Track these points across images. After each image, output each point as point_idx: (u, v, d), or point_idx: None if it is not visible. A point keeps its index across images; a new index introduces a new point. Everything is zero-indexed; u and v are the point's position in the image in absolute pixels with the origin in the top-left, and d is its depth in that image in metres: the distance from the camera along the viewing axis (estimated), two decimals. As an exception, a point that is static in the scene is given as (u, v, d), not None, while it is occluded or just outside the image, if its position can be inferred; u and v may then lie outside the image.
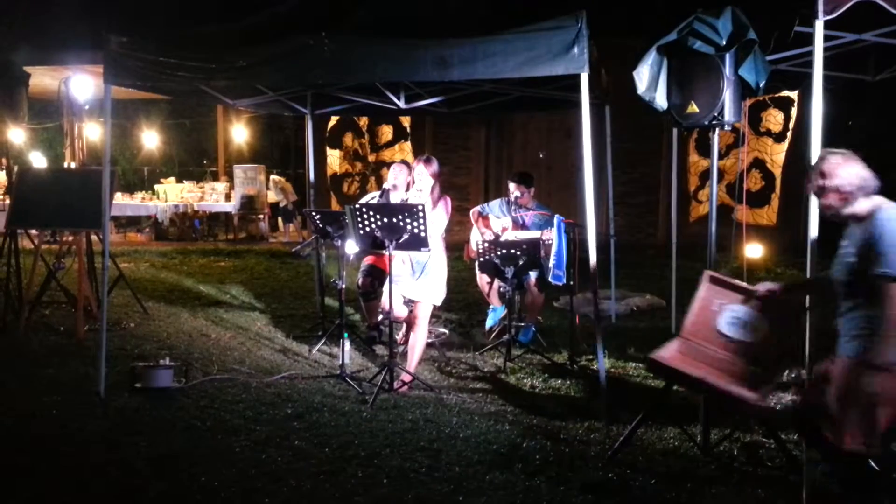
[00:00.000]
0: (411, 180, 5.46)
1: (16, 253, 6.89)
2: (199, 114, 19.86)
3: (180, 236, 14.12)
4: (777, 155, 11.78)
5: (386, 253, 4.91)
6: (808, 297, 3.53)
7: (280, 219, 15.30)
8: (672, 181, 6.83)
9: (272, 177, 15.10)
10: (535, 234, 6.03)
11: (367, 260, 5.98)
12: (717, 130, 3.76)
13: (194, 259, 11.56)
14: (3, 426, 4.29)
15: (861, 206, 2.97)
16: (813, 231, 3.29)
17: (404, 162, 5.89)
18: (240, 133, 18.59)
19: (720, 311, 3.46)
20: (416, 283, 5.19)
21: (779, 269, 9.74)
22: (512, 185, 6.39)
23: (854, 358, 2.97)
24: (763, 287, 3.33)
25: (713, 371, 3.36)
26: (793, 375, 5.26)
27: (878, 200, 2.97)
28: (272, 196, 14.82)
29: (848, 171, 2.96)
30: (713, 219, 3.85)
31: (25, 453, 3.90)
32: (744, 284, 3.56)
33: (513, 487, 3.51)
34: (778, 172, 11.79)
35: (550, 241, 5.80)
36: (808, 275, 3.36)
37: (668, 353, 3.49)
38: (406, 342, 5.61)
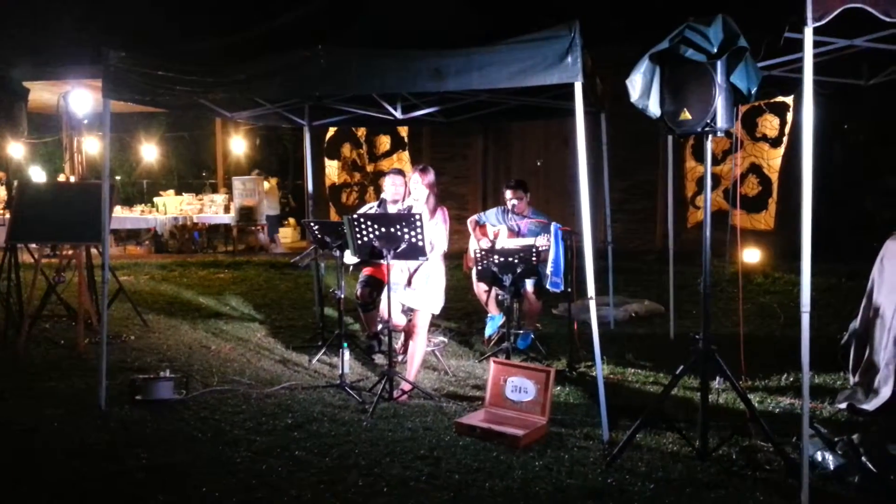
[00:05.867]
0: (407, 190, 5.49)
1: (16, 267, 6.92)
2: (197, 126, 19.95)
3: (180, 249, 14.16)
4: (773, 160, 11.83)
5: (384, 263, 4.94)
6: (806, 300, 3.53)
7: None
8: (668, 187, 6.86)
9: (264, 182, 15.06)
10: (529, 241, 6.07)
11: (366, 270, 6.00)
12: (710, 137, 3.79)
13: (194, 271, 11.58)
14: (6, 439, 4.31)
15: None
16: (807, 236, 3.30)
17: (399, 171, 5.91)
18: (238, 145, 18.66)
19: (505, 384, 4.58)
20: (415, 292, 5.21)
21: (777, 274, 9.76)
22: (508, 193, 6.42)
23: None
24: None
25: (501, 424, 4.35)
26: (790, 380, 5.28)
27: None
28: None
29: None
30: (707, 224, 3.87)
31: (28, 466, 3.92)
32: (518, 362, 4.80)
33: (512, 494, 3.52)
34: (775, 177, 11.83)
35: (546, 248, 5.83)
36: (803, 278, 3.36)
37: (471, 419, 4.45)
38: (405, 351, 5.63)
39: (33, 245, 7.65)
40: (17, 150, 15.04)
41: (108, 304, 5.46)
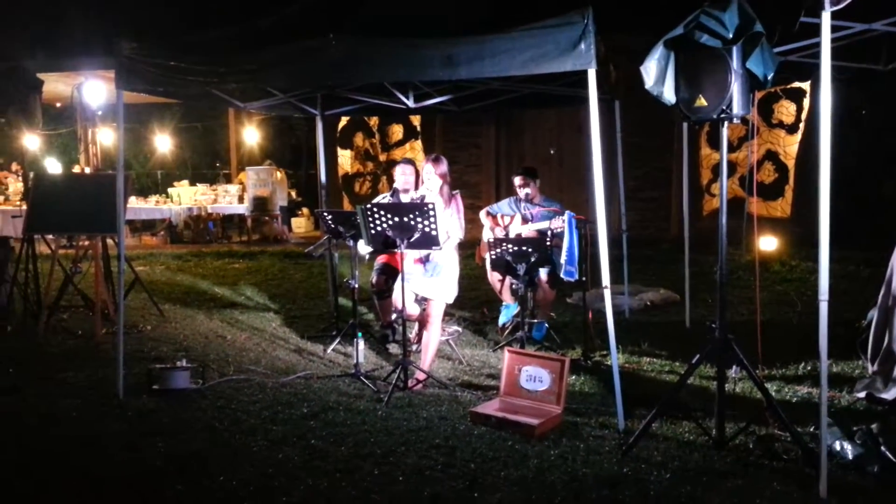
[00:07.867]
0: (420, 179, 5.49)
1: (33, 258, 6.99)
2: (210, 117, 20.00)
3: (194, 239, 14.23)
4: (790, 147, 11.71)
5: (399, 251, 4.94)
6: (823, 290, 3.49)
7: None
8: (683, 175, 6.81)
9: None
10: (544, 224, 6.06)
11: (381, 259, 6.01)
12: (726, 124, 3.74)
13: (209, 261, 11.65)
14: (24, 429, 4.36)
15: None
16: (824, 223, 3.27)
17: (409, 160, 5.90)
18: (251, 135, 18.69)
19: (520, 373, 4.56)
20: (429, 281, 5.21)
21: (794, 262, 9.68)
22: (517, 180, 6.42)
23: None
24: None
25: (516, 413, 4.37)
26: (808, 369, 5.24)
27: None
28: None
29: None
30: (723, 212, 3.83)
31: (46, 455, 3.96)
32: (532, 352, 4.85)
33: (527, 483, 3.53)
34: (791, 164, 11.71)
35: (560, 230, 5.82)
36: (820, 265, 3.33)
37: (486, 408, 4.46)
38: (419, 341, 5.64)
39: (50, 236, 7.72)
40: (32, 141, 15.08)
41: (124, 294, 5.49)
